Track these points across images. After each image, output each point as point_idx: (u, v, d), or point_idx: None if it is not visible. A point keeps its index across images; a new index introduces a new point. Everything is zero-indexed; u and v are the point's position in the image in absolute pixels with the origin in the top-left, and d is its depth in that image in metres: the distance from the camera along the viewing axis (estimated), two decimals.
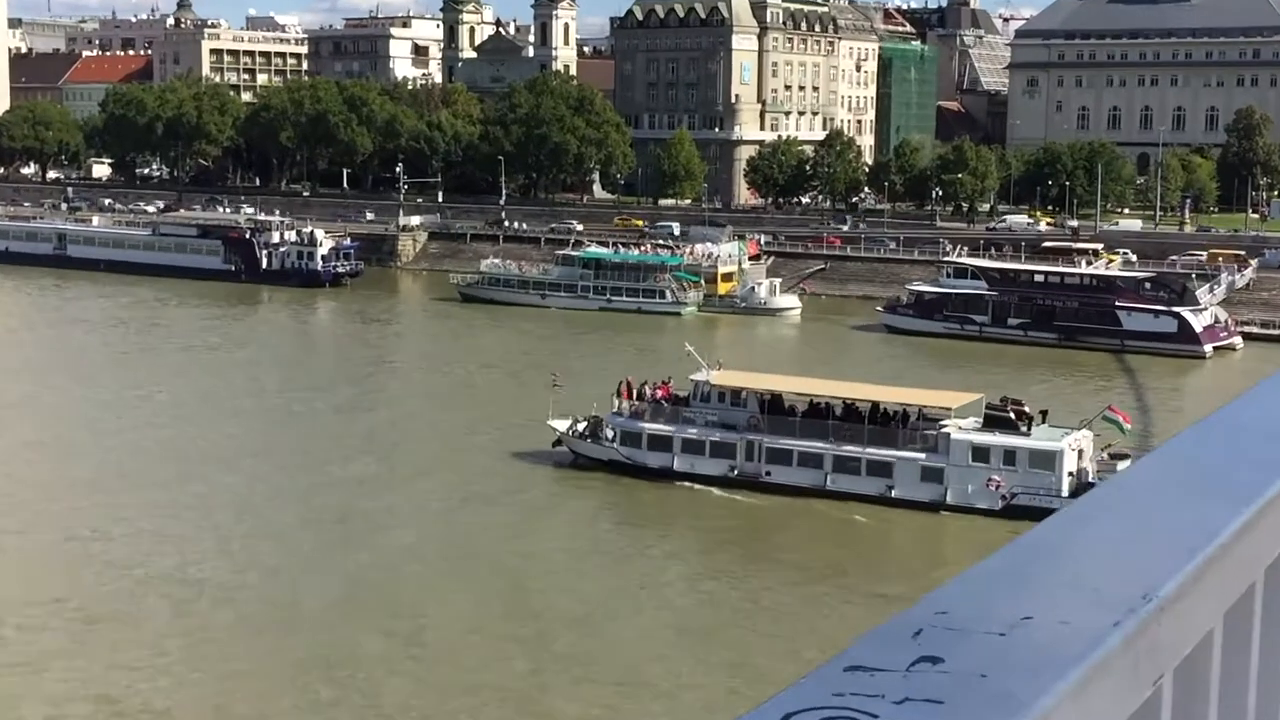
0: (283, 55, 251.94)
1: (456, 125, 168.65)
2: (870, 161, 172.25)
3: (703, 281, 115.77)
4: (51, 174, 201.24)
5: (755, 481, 57.21)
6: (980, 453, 54.84)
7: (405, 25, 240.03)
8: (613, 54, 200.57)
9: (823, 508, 54.99)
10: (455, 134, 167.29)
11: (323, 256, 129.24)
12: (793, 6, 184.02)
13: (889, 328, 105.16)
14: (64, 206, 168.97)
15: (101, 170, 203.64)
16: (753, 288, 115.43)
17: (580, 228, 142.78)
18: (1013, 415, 56.14)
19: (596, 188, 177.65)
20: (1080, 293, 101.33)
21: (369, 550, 47.99)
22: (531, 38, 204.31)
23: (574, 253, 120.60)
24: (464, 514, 53.53)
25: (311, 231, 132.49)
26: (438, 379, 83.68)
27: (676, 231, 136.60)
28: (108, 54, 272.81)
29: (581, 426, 61.07)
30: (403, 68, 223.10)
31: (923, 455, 55.54)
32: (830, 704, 1.53)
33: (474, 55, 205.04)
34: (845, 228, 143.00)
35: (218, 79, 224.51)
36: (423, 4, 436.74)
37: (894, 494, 55.31)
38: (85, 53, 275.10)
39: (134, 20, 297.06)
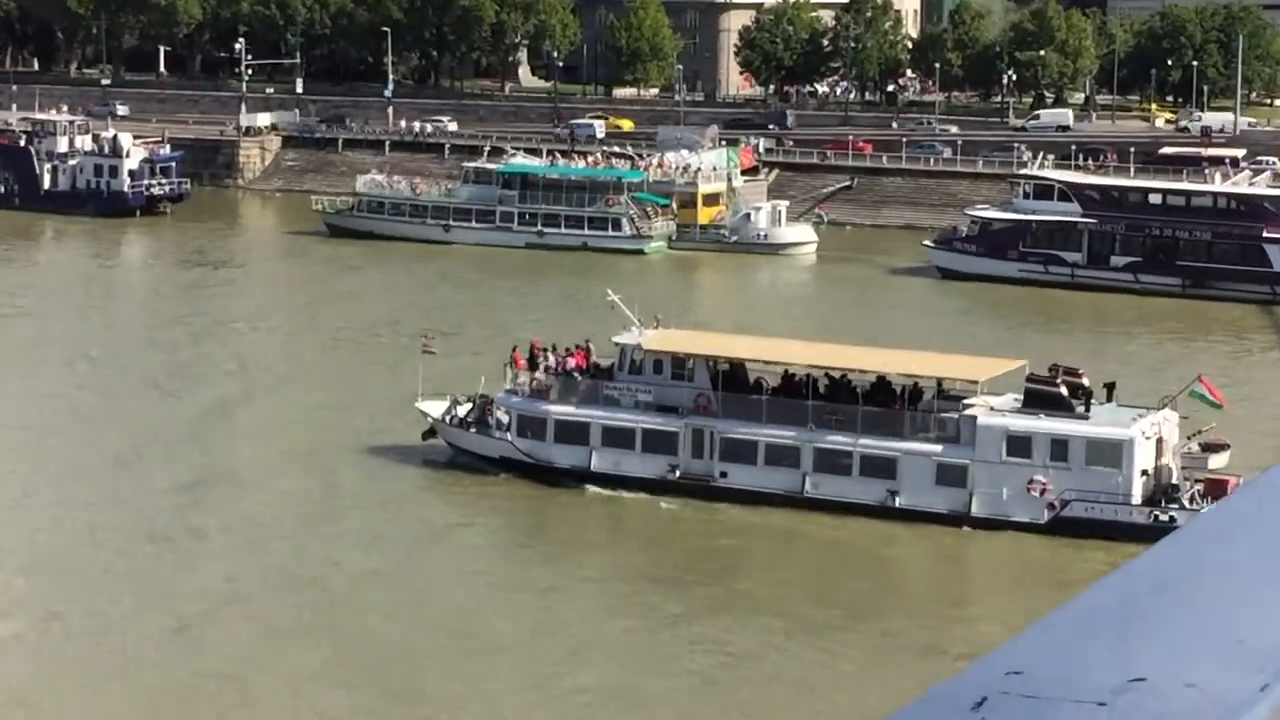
0: None
1: None
2: (915, 34, 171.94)
3: (675, 206, 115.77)
4: None
5: (705, 486, 57.58)
6: (1018, 443, 55.12)
7: None
8: None
9: (800, 523, 55.19)
10: None
11: (131, 172, 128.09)
12: None
13: (942, 270, 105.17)
14: None
15: None
16: (747, 215, 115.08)
17: (453, 126, 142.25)
18: (1064, 390, 56.15)
19: (524, 72, 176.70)
20: (1214, 220, 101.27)
21: (166, 596, 47.81)
22: None
23: (490, 165, 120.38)
24: (299, 541, 53.63)
25: (115, 137, 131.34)
26: (286, 346, 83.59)
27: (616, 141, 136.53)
28: None
29: (464, 411, 61.40)
30: None
31: (939, 448, 56.12)
32: None
33: None
34: (897, 126, 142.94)
35: None
36: None
37: (899, 503, 55.76)
38: None
39: None
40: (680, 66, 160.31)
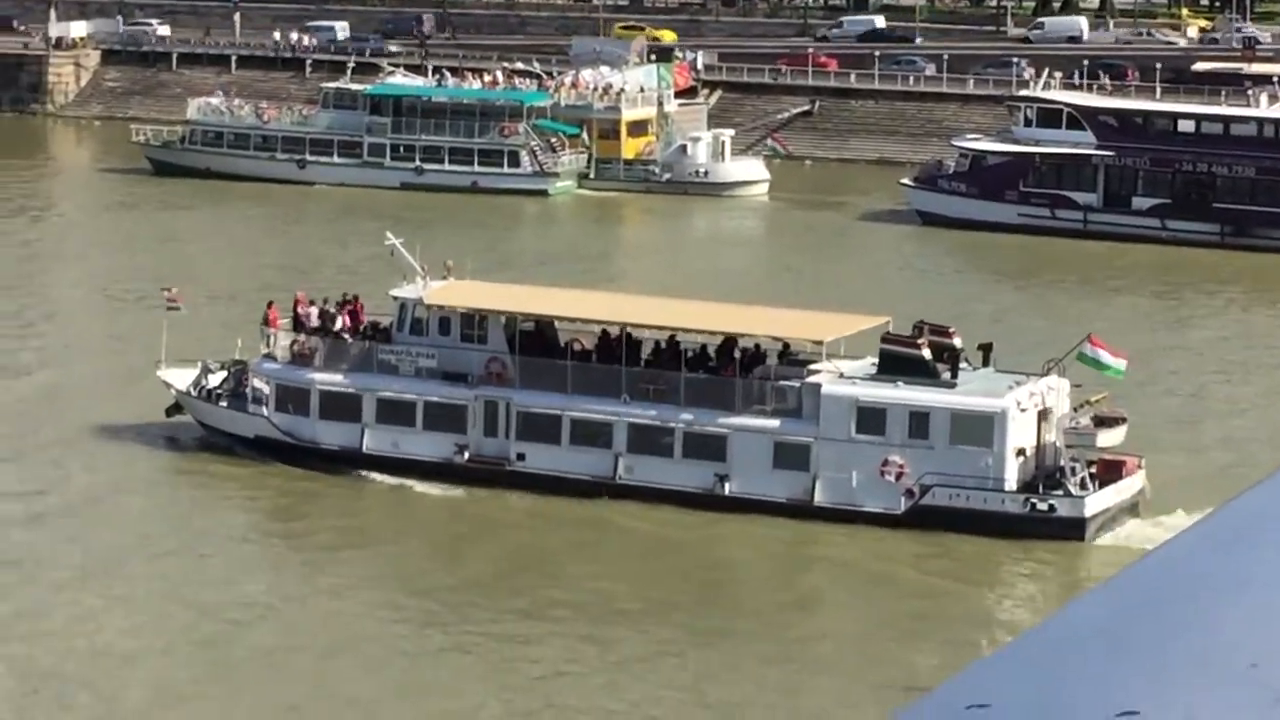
0: None
1: None
2: None
3: (590, 137, 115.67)
4: None
5: (500, 470, 58.43)
6: (870, 417, 55.63)
7: None
8: None
9: (611, 514, 55.94)
10: None
11: None
12: None
13: (924, 215, 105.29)
14: None
15: None
16: (683, 147, 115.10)
17: (344, 32, 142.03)
18: (926, 352, 56.56)
19: None
20: (1260, 152, 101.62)
21: None
22: None
23: (354, 87, 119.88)
24: None
25: None
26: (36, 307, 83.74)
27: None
28: None
29: (216, 380, 61.95)
30: None
31: (776, 423, 56.62)
32: None
33: None
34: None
35: None
36: None
37: (729, 490, 56.40)
38: None
39: None
40: None
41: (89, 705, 43.49)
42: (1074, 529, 53.42)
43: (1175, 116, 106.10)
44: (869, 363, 57.22)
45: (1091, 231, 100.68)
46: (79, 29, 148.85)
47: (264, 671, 45.45)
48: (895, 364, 56.06)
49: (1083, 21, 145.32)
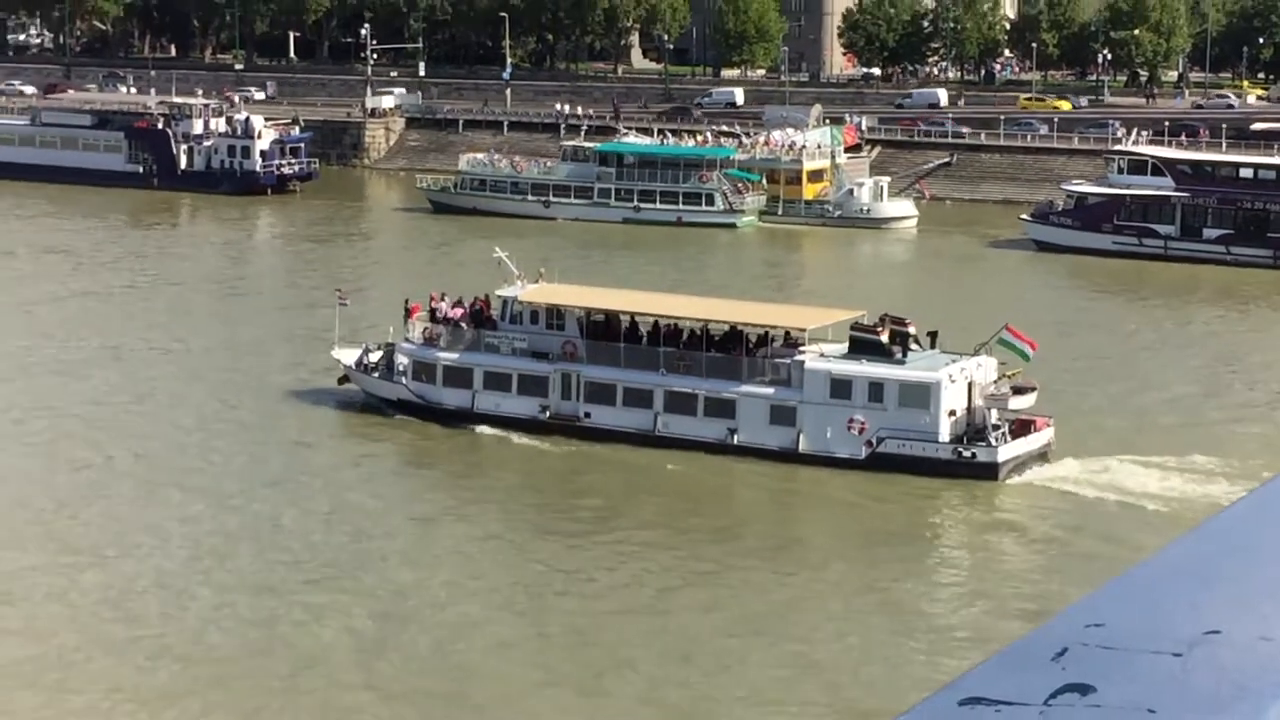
0: None
1: None
2: (1012, 15, 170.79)
3: (764, 182, 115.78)
4: None
5: (572, 425, 60.34)
6: (840, 386, 57.29)
7: None
8: None
9: (653, 459, 57.78)
10: None
11: (263, 153, 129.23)
12: None
13: (1038, 243, 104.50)
14: None
15: None
16: (850, 190, 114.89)
17: (568, 108, 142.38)
18: (885, 338, 58.16)
19: (636, 55, 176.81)
20: None
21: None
22: None
23: (586, 144, 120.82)
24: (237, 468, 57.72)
25: (247, 119, 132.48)
26: (291, 306, 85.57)
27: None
28: None
29: (374, 358, 64.39)
30: None
31: (772, 390, 58.23)
32: None
33: None
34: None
35: None
36: None
37: (737, 440, 58.07)
38: None
39: None
40: (786, 48, 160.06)
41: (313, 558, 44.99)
42: (989, 471, 55.07)
43: (1238, 165, 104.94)
44: (841, 347, 59.13)
45: (1170, 256, 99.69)
46: (389, 102, 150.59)
47: (406, 552, 49.23)
48: (861, 346, 58.03)
49: (941, 93, 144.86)
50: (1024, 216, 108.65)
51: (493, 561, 48.46)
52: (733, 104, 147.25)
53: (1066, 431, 58.19)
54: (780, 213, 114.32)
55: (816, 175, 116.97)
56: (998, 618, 43.81)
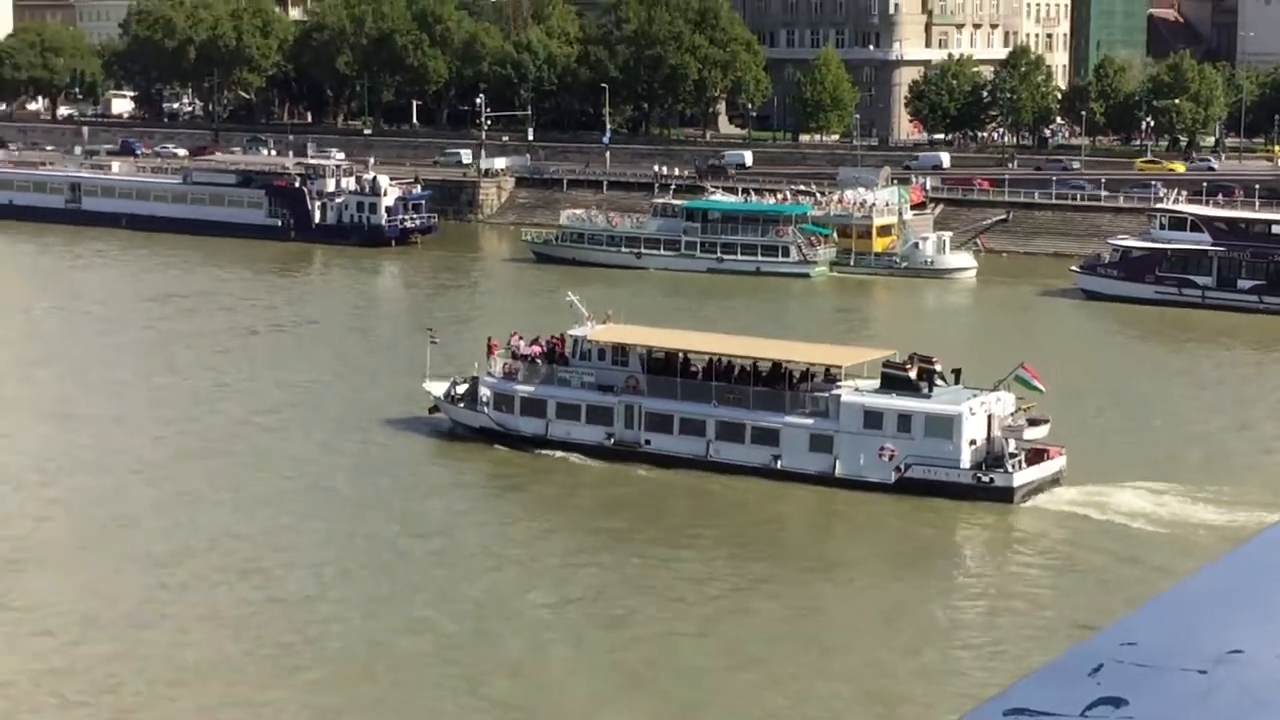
0: None
1: (550, 46, 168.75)
2: (1063, 85, 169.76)
3: (835, 235, 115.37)
4: (63, 110, 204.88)
5: (634, 451, 60.82)
6: (872, 418, 57.67)
7: None
8: None
9: (705, 482, 58.23)
10: (548, 57, 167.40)
11: (388, 209, 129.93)
12: None
13: (1086, 292, 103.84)
14: (78, 150, 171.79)
15: (122, 105, 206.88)
16: (916, 244, 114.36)
17: (657, 167, 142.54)
18: (913, 374, 58.29)
19: (723, 121, 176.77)
20: None
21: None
22: None
23: (673, 201, 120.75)
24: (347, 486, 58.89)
25: (374, 178, 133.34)
26: (390, 342, 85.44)
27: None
28: None
29: (460, 390, 65.05)
30: None
31: (811, 421, 58.49)
32: None
33: None
34: (1076, 165, 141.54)
35: None
36: None
37: (780, 465, 58.36)
38: None
39: None
40: (858, 115, 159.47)
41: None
42: (1005, 495, 55.24)
43: (1270, 222, 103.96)
44: (874, 382, 59.53)
45: (1207, 304, 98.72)
46: (500, 163, 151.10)
47: (489, 565, 50.39)
48: (891, 382, 58.49)
49: (944, 155, 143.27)
50: (1073, 268, 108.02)
51: (563, 572, 49.16)
52: (742, 165, 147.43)
53: (1092, 460, 58.24)
54: (852, 264, 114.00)
55: (885, 230, 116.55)
56: (1013, 626, 44.59)
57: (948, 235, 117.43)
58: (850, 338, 68.88)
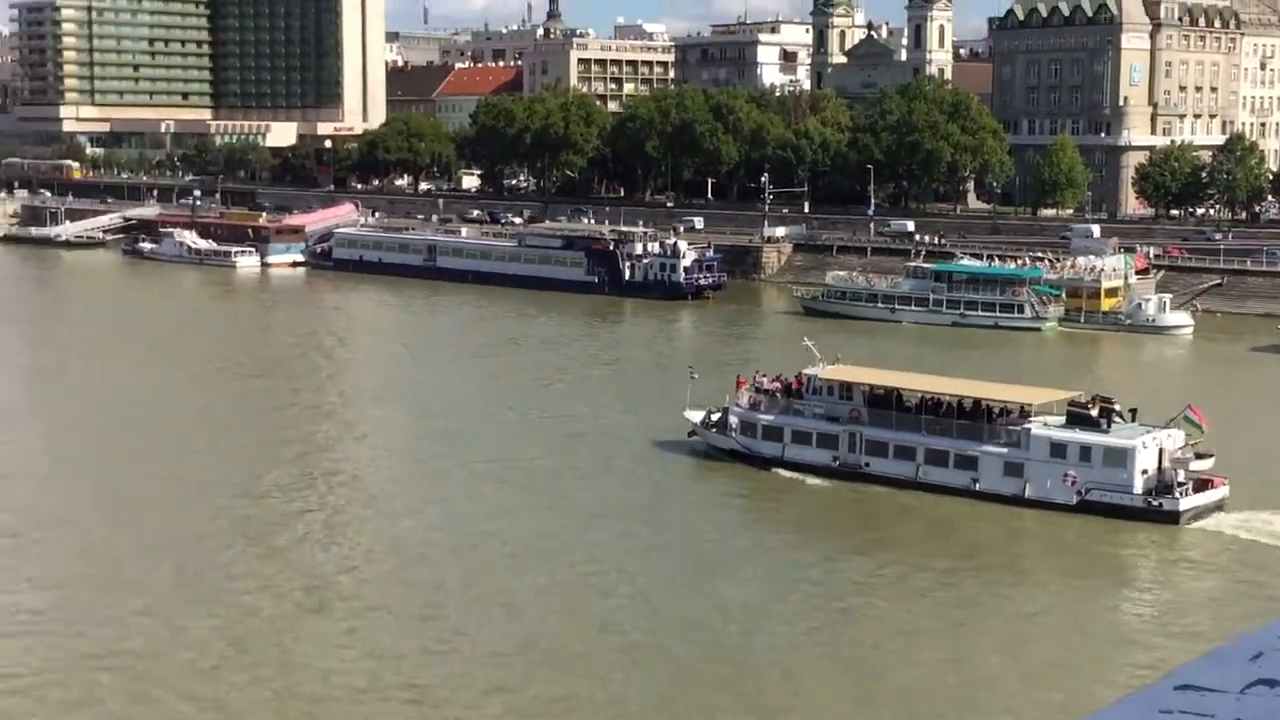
0: (649, 64, 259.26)
1: (825, 133, 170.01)
2: (1275, 167, 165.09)
3: (1064, 295, 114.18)
4: (423, 185, 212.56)
5: (855, 471, 61.31)
6: (1058, 448, 57.36)
7: (774, 31, 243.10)
8: (990, 56, 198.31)
9: (914, 500, 58.43)
10: (823, 142, 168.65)
11: (685, 269, 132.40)
12: (1189, 1, 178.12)
13: None
14: (434, 218, 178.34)
15: (471, 181, 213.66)
16: (1139, 304, 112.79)
17: (917, 236, 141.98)
18: (1095, 412, 57.94)
19: (971, 197, 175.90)
20: None
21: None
22: (905, 41, 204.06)
23: (924, 264, 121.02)
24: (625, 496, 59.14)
25: (675, 243, 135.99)
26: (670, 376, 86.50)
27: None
28: (479, 65, 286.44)
29: (715, 418, 66.20)
30: (770, 74, 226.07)
31: (1005, 450, 58.48)
32: None
33: (844, 60, 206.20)
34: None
35: (585, 89, 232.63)
36: (792, 8, 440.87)
37: (978, 487, 58.38)
38: (457, 65, 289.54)
39: (505, 31, 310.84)
40: (1089, 192, 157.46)
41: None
42: (1172, 518, 54.79)
43: None
44: (1060, 418, 59.32)
45: None
46: (780, 232, 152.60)
47: (706, 556, 51.35)
48: (1075, 418, 58.44)
49: (1095, 228, 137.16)
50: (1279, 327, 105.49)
51: (795, 574, 49.72)
52: (908, 233, 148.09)
53: (1255, 491, 57.37)
54: (1082, 321, 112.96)
55: (1112, 292, 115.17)
56: (1179, 628, 44.79)
57: (1168, 297, 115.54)
58: (1071, 383, 68.37)
